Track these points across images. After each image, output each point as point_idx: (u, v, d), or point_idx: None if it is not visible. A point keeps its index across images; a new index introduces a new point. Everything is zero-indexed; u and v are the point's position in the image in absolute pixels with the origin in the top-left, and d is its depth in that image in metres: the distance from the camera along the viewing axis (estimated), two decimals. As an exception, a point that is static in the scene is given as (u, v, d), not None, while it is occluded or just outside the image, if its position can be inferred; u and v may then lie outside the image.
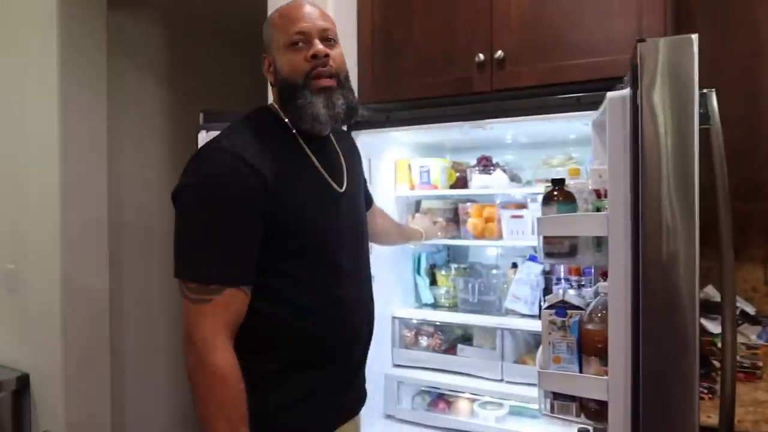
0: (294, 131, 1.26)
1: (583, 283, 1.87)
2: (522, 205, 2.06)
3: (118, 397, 3.08)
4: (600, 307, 1.22)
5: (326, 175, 1.27)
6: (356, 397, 1.39)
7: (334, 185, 1.28)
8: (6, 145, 2.95)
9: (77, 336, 2.81)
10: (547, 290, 1.99)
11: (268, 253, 1.15)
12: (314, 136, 1.28)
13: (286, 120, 1.25)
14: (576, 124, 1.82)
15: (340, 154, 1.37)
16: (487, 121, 1.77)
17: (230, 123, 1.26)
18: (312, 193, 1.23)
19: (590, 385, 1.19)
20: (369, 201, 1.69)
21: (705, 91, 1.12)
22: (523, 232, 1.99)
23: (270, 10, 2.01)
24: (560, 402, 1.25)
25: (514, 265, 2.12)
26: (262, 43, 1.31)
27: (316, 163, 1.26)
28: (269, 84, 1.33)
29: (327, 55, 1.22)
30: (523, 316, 1.99)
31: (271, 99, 1.37)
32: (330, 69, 1.23)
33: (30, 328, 2.88)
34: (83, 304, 2.83)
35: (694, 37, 1.09)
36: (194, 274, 1.11)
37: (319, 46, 1.22)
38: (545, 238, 1.31)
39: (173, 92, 3.41)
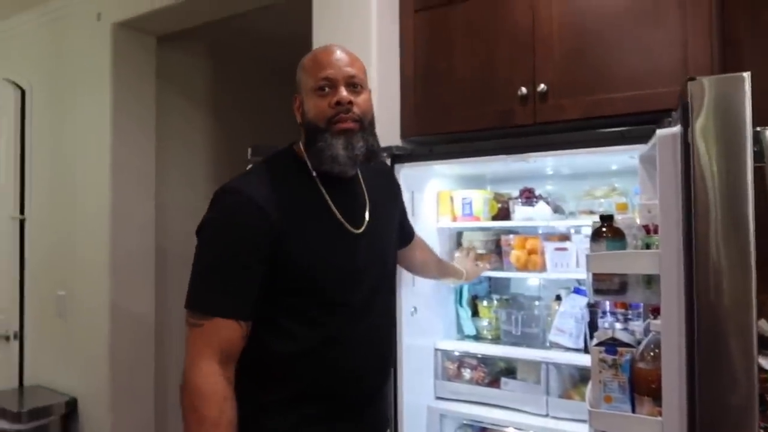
0: (314, 173, 1.29)
1: (630, 317, 1.83)
2: (565, 237, 2.05)
3: (161, 420, 3.12)
4: (652, 346, 1.20)
5: (340, 216, 1.28)
6: (371, 424, 1.39)
7: (349, 227, 1.29)
8: (59, 176, 3.08)
9: (123, 360, 2.88)
10: (592, 323, 1.97)
11: (272, 288, 1.21)
12: (336, 177, 1.30)
13: (307, 161, 1.29)
14: (619, 156, 1.81)
15: (366, 194, 1.38)
16: (530, 154, 1.78)
17: (254, 164, 1.33)
18: (321, 234, 1.26)
19: (644, 426, 1.17)
20: (409, 235, 1.71)
21: (758, 129, 1.11)
22: (567, 264, 1.98)
23: (315, 45, 2.08)
24: (612, 442, 1.23)
25: (558, 297, 2.10)
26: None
27: (331, 205, 1.28)
28: (298, 122, 1.35)
29: (351, 102, 1.25)
30: (568, 349, 1.97)
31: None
32: (353, 115, 1.25)
33: (78, 354, 2.97)
34: (129, 329, 2.91)
35: (746, 75, 1.08)
36: (193, 305, 1.19)
37: (343, 93, 1.24)
38: (595, 275, 1.30)
39: (218, 124, 3.51)
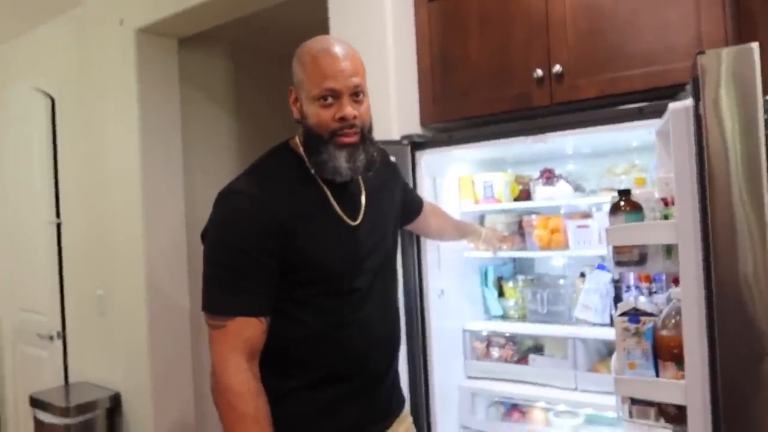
0: (312, 170, 1.32)
1: (654, 290, 1.86)
2: (587, 215, 2.08)
3: (201, 409, 3.23)
4: (673, 313, 1.24)
5: (338, 210, 1.33)
6: (387, 401, 1.44)
7: (346, 219, 1.34)
8: (92, 180, 3.19)
9: (163, 355, 2.98)
10: (617, 298, 2.00)
11: (283, 282, 1.26)
12: None
13: (304, 157, 1.32)
14: (638, 132, 1.83)
15: (362, 184, 1.41)
16: (549, 134, 1.81)
17: (253, 162, 1.35)
18: (324, 227, 1.30)
19: (667, 389, 1.21)
20: (417, 207, 1.76)
21: (768, 97, 1.13)
22: (589, 241, 2.01)
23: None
24: (638, 407, 1.28)
25: (582, 275, 2.14)
26: (292, 72, 1.31)
27: (330, 199, 1.32)
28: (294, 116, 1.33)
29: (355, 116, 1.25)
30: (594, 324, 2.00)
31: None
32: (356, 129, 1.26)
33: (119, 350, 3.09)
34: (167, 324, 3.01)
35: (755, 45, 1.11)
36: (212, 308, 1.24)
37: (348, 109, 1.24)
38: (615, 247, 1.34)
39: (240, 122, 3.59)
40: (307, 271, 1.27)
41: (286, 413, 1.26)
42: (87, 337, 3.27)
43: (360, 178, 1.40)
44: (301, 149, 1.33)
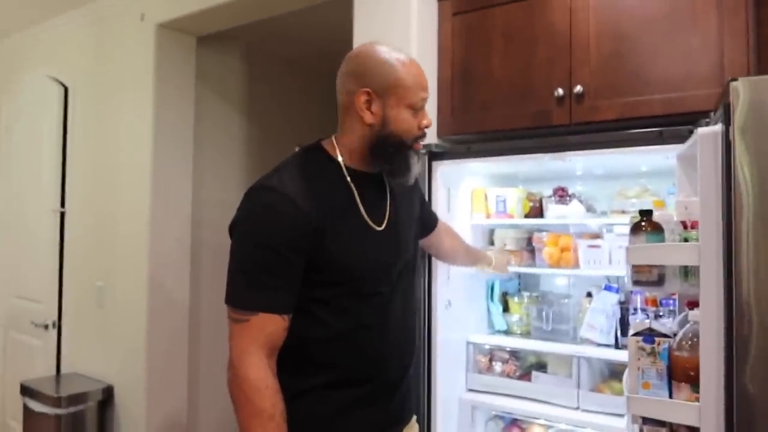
0: (345, 171, 1.33)
1: (661, 314, 1.88)
2: (597, 235, 2.10)
3: (193, 407, 3.21)
4: (690, 335, 1.26)
5: (365, 214, 1.34)
6: (400, 408, 1.44)
7: (372, 224, 1.35)
8: (100, 171, 3.19)
9: (159, 350, 2.97)
10: (622, 320, 2.02)
11: (307, 280, 1.26)
12: (364, 174, 1.36)
13: (339, 158, 1.34)
14: (650, 157, 1.86)
15: (389, 190, 1.44)
16: (567, 153, 1.83)
17: (284, 159, 1.36)
18: (352, 230, 1.32)
19: (681, 410, 1.22)
20: (432, 222, 1.77)
21: (797, 127, 1.15)
22: (599, 261, 2.03)
23: (356, 44, 2.15)
24: (650, 427, 1.28)
25: (589, 294, 2.15)
26: (360, 74, 1.31)
27: (359, 202, 1.34)
28: (360, 119, 1.32)
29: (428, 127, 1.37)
30: (599, 345, 2.01)
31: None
32: (425, 138, 1.39)
33: (115, 342, 3.07)
34: (165, 319, 3.00)
35: (786, 76, 1.14)
36: (236, 302, 1.24)
37: (429, 119, 1.37)
38: (634, 266, 1.35)
39: (253, 122, 3.61)
40: (330, 271, 1.28)
41: (300, 413, 1.26)
42: (83, 328, 3.25)
43: (387, 185, 1.42)
44: (338, 151, 1.35)
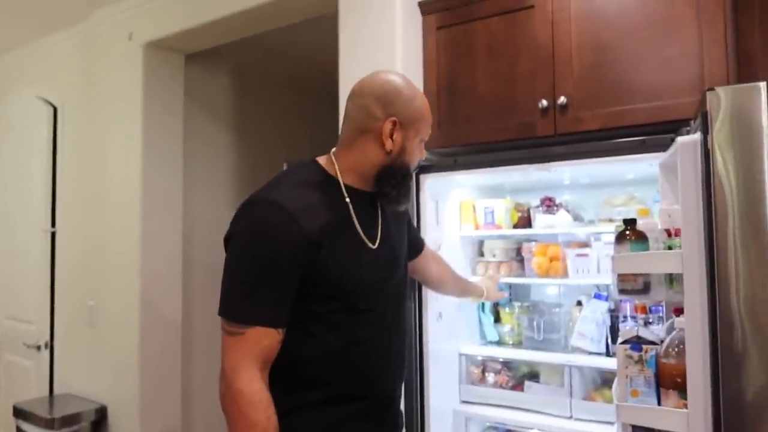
0: (344, 188, 1.35)
1: (650, 320, 1.89)
2: (585, 244, 2.11)
3: (187, 424, 3.19)
4: (677, 342, 1.27)
5: (361, 231, 1.35)
6: (393, 423, 1.45)
7: (367, 241, 1.36)
8: (90, 190, 3.19)
9: (152, 369, 2.96)
10: (613, 328, 2.03)
11: (302, 295, 1.26)
12: (359, 192, 1.37)
13: (338, 176, 1.35)
14: (636, 165, 1.88)
15: (380, 211, 1.44)
16: (553, 164, 1.85)
17: (280, 173, 1.38)
18: (348, 246, 1.32)
19: (670, 417, 1.23)
20: (419, 245, 1.77)
21: (774, 135, 1.17)
22: (588, 270, 2.04)
23: (342, 64, 2.17)
24: (639, 435, 1.29)
25: (579, 303, 2.16)
26: (390, 102, 1.32)
27: (355, 220, 1.34)
28: (380, 145, 1.33)
29: None
30: (590, 353, 2.02)
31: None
32: None
33: (108, 362, 3.05)
34: (158, 338, 2.99)
35: (762, 84, 1.16)
36: (231, 315, 1.24)
37: (425, 153, 1.48)
38: (620, 275, 1.36)
39: (242, 139, 3.62)
40: (325, 286, 1.28)
41: (294, 428, 1.26)
42: (76, 348, 3.24)
43: (379, 205, 1.44)
44: (338, 168, 1.36)
